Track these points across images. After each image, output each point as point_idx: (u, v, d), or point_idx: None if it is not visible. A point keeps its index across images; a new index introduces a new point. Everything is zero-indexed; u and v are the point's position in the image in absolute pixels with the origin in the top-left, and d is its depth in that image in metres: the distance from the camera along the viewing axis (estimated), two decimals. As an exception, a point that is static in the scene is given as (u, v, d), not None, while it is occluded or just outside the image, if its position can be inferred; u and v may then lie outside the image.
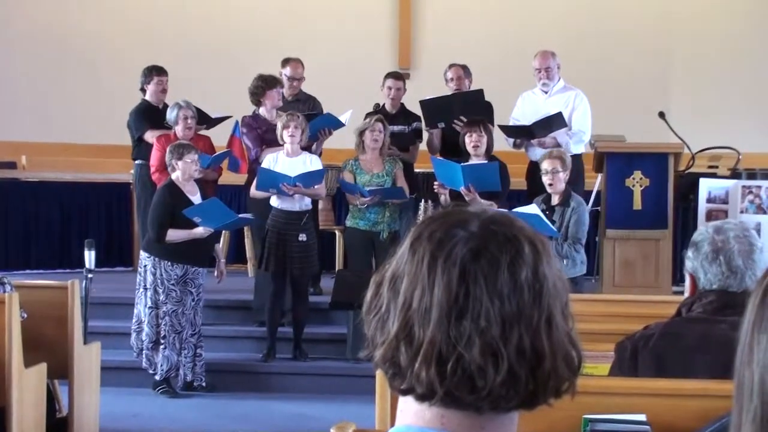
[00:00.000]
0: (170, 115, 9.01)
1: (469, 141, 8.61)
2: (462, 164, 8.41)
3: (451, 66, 9.79)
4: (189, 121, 8.92)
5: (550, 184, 7.86)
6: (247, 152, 9.27)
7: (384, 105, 9.69)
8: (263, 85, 9.16)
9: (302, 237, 8.57)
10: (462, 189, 8.33)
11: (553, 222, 7.73)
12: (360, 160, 8.90)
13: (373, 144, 8.81)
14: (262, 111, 9.24)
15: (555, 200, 7.86)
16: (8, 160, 12.32)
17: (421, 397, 1.44)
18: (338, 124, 9.34)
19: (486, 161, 8.54)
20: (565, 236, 7.76)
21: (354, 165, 8.91)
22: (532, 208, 7.67)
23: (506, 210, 7.70)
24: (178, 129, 8.93)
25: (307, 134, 8.71)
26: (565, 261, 7.68)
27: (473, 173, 8.32)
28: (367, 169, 8.86)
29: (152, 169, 9.12)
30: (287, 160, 8.61)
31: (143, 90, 9.69)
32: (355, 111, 9.90)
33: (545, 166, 7.87)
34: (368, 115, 9.53)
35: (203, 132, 9.62)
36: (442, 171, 8.56)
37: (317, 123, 9.17)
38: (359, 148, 8.89)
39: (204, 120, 9.58)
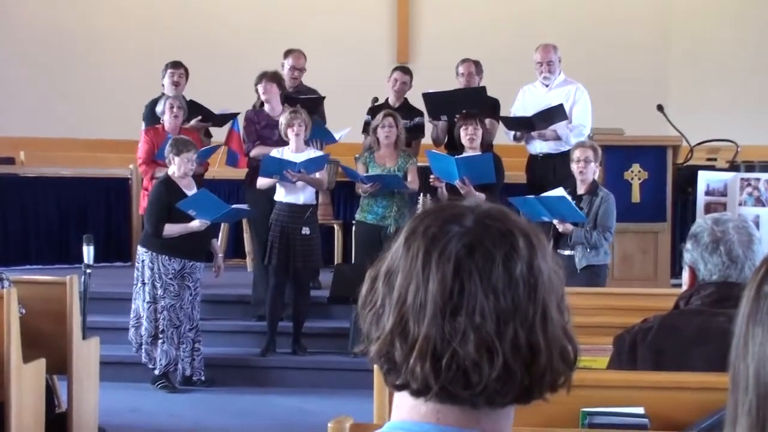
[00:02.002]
0: (158, 108, 9.08)
1: (465, 134, 8.62)
2: (455, 156, 8.42)
3: (463, 61, 9.78)
4: (175, 110, 8.97)
5: (581, 172, 7.74)
6: (244, 146, 9.30)
7: (387, 99, 9.69)
8: (256, 81, 9.20)
9: (305, 230, 8.58)
10: (457, 182, 8.33)
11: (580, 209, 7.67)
12: (375, 154, 8.92)
13: (386, 140, 8.83)
14: (266, 107, 9.22)
15: (581, 189, 7.74)
16: (6, 156, 12.31)
17: (417, 393, 1.44)
18: (331, 140, 9.34)
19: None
20: (593, 225, 7.67)
21: (368, 158, 8.92)
22: (559, 191, 7.62)
23: (533, 197, 7.68)
24: (166, 119, 8.98)
25: (309, 130, 8.71)
26: (588, 249, 7.61)
27: (467, 165, 8.33)
28: (380, 163, 8.88)
29: (138, 161, 9.17)
30: (292, 156, 8.62)
31: (163, 85, 9.74)
32: (353, 106, 9.91)
33: (577, 154, 7.72)
34: (370, 110, 9.55)
35: (210, 128, 9.66)
36: (437, 164, 8.58)
37: (311, 132, 9.12)
38: (375, 145, 8.90)
39: (208, 117, 9.58)
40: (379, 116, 8.93)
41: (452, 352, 1.39)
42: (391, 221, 8.79)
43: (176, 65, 9.70)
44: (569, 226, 7.55)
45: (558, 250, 7.60)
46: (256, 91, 9.26)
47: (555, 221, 7.51)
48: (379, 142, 8.87)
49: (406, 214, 8.81)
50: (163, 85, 9.73)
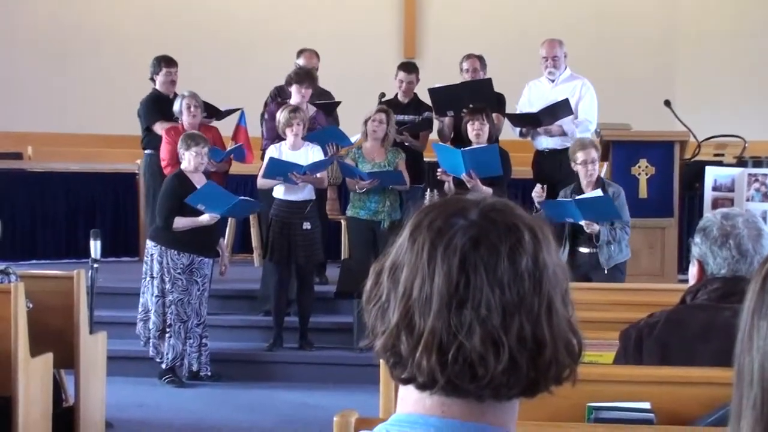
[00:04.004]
0: (176, 106, 9.03)
1: (472, 129, 8.60)
2: (462, 149, 8.41)
3: (467, 56, 9.75)
4: (192, 109, 8.92)
5: (591, 174, 7.61)
6: (262, 141, 9.30)
7: (396, 95, 9.67)
8: (292, 78, 9.12)
9: (306, 225, 8.59)
10: (463, 175, 8.32)
11: None
12: (363, 149, 8.91)
13: (374, 134, 8.82)
14: (291, 102, 9.15)
15: (588, 188, 7.63)
16: (15, 151, 12.32)
17: (423, 386, 1.44)
18: (346, 142, 9.30)
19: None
20: (611, 221, 7.57)
21: (357, 153, 8.92)
22: (597, 192, 7.55)
23: (569, 200, 7.59)
24: (184, 119, 8.95)
25: (307, 127, 8.70)
26: (612, 247, 7.56)
27: (473, 157, 8.32)
28: (369, 158, 8.87)
29: (164, 163, 9.12)
30: (290, 153, 8.62)
31: (152, 80, 9.68)
32: (361, 101, 9.88)
33: (583, 156, 7.58)
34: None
35: (213, 124, 9.64)
36: (444, 157, 8.57)
37: (324, 135, 9.11)
38: (364, 137, 8.91)
39: (213, 113, 9.58)
40: (373, 109, 8.92)
41: (458, 345, 1.40)
42: (385, 216, 8.80)
43: (171, 63, 9.61)
44: (596, 227, 7.47)
45: (579, 249, 7.57)
46: (288, 85, 9.17)
47: (583, 222, 7.42)
48: (368, 135, 8.86)
49: (398, 208, 8.83)
50: (153, 80, 9.66)
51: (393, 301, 1.45)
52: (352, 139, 9.29)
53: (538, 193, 7.84)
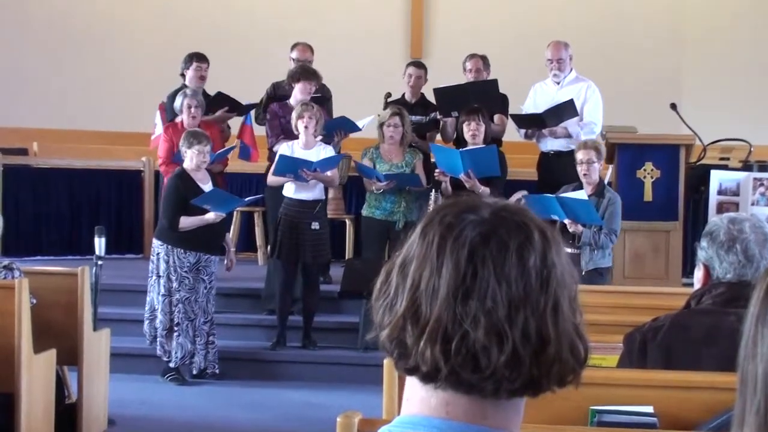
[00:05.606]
0: (176, 103, 9.03)
1: (468, 129, 8.60)
2: (460, 150, 8.42)
3: (470, 56, 9.75)
4: (193, 110, 8.91)
5: (585, 175, 7.70)
6: (267, 140, 9.31)
7: (403, 95, 9.67)
8: (298, 74, 9.12)
9: (315, 225, 8.58)
10: (462, 175, 8.33)
11: None
12: (381, 150, 8.91)
13: (390, 140, 8.83)
14: (292, 100, 9.16)
15: (588, 190, 7.69)
16: (20, 147, 12.32)
17: (426, 376, 1.45)
18: (354, 128, 9.31)
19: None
20: (599, 226, 7.63)
21: (374, 153, 8.92)
22: (581, 194, 7.59)
23: (552, 195, 7.65)
24: (183, 118, 8.95)
25: (321, 124, 8.69)
26: (595, 251, 7.59)
27: (472, 158, 8.33)
28: (386, 159, 8.88)
29: (159, 161, 9.12)
30: (302, 152, 8.62)
31: (183, 75, 9.67)
32: (368, 101, 9.88)
33: (580, 156, 7.69)
34: (385, 106, 9.53)
35: (234, 118, 9.65)
36: (441, 157, 8.58)
37: (333, 124, 9.14)
38: (381, 140, 8.91)
39: (235, 107, 9.58)
40: (386, 113, 8.93)
41: (462, 335, 1.41)
42: (400, 216, 8.80)
43: (202, 59, 9.61)
44: (580, 227, 7.54)
45: None
46: (292, 80, 9.17)
47: (567, 221, 7.49)
48: (385, 138, 8.88)
49: (413, 209, 8.83)
50: (183, 75, 9.65)
51: (401, 294, 1.47)
52: (360, 124, 9.27)
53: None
